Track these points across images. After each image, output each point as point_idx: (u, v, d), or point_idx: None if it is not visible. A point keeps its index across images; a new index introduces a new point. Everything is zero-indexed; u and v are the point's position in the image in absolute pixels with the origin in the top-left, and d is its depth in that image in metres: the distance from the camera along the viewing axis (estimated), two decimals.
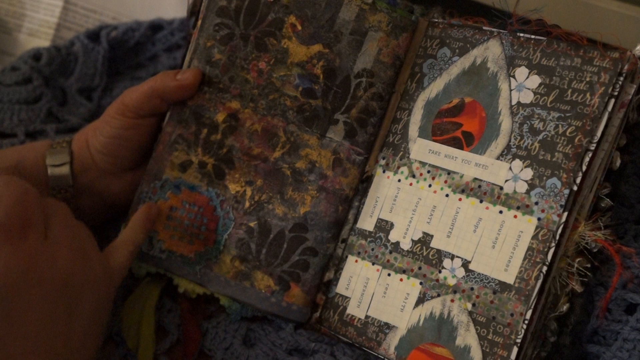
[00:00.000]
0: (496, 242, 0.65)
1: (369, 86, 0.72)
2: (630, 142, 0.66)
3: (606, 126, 0.63)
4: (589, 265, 0.65)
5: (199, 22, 0.74)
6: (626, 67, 0.62)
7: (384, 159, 0.72)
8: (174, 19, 0.99)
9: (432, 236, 0.68)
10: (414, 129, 0.71)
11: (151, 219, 0.72)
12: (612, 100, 0.63)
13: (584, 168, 0.63)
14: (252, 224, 0.72)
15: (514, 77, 0.67)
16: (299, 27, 0.72)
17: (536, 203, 0.64)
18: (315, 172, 0.72)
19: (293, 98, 0.72)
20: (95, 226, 0.79)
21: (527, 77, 0.67)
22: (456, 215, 0.67)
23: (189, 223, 0.73)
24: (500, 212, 0.65)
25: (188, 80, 0.72)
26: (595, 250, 0.64)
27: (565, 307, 0.65)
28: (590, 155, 0.63)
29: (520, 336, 0.63)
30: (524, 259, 0.64)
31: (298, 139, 0.72)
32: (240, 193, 0.73)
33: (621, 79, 0.63)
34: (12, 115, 0.90)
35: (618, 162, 0.65)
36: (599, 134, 0.63)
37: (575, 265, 0.64)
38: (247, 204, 0.73)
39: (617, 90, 0.63)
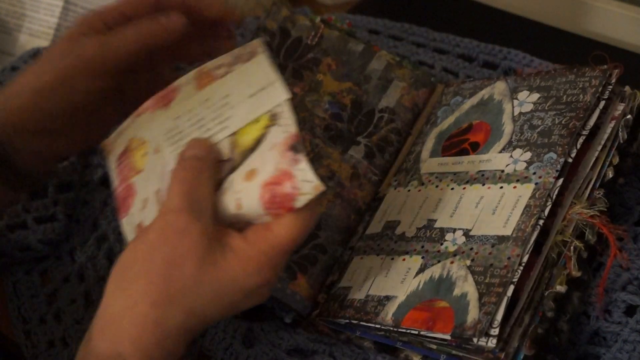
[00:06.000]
0: (496, 209, 0.69)
1: (390, 121, 0.82)
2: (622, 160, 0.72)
3: (599, 129, 0.71)
4: (585, 253, 0.67)
5: None
6: (615, 74, 0.72)
7: (396, 181, 0.79)
8: None
9: (435, 220, 0.72)
10: (425, 154, 0.79)
11: None
12: (603, 102, 0.71)
13: (579, 146, 0.69)
14: None
15: (516, 99, 0.76)
16: (334, 67, 0.84)
17: (534, 173, 0.69)
18: (334, 180, 0.78)
19: (321, 118, 0.81)
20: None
21: (528, 96, 0.76)
22: (460, 200, 0.72)
23: None
24: (501, 187, 0.70)
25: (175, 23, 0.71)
26: (593, 241, 0.67)
27: (562, 288, 0.66)
28: (583, 139, 0.70)
29: (517, 275, 0.63)
30: (522, 215, 0.67)
31: (322, 151, 0.80)
32: None
33: (610, 85, 0.72)
34: None
35: (610, 174, 0.70)
36: (591, 122, 0.70)
37: (574, 243, 0.66)
38: None
39: (607, 92, 0.71)
